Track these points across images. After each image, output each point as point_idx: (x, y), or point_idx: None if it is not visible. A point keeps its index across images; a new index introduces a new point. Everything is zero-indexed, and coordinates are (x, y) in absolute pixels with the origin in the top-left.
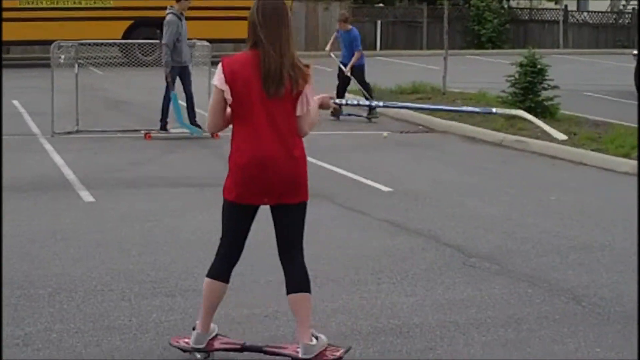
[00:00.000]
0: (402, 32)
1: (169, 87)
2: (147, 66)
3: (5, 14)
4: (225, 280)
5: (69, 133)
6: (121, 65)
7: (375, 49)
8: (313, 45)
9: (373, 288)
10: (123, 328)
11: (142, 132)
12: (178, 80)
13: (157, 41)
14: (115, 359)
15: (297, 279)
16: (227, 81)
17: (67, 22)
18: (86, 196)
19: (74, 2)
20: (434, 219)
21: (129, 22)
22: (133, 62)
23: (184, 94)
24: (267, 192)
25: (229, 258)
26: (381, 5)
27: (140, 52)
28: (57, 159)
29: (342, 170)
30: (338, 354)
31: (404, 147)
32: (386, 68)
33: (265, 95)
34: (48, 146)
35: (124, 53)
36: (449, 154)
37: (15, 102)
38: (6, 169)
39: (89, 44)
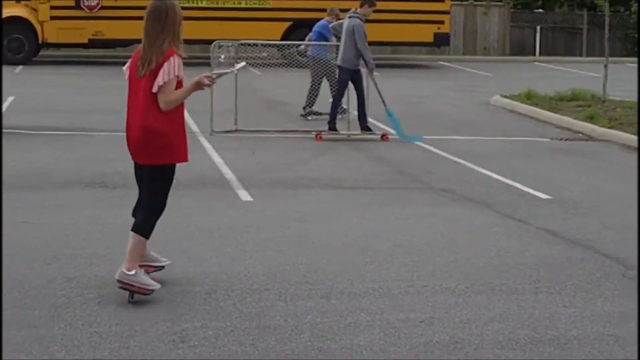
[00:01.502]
0: (561, 38)
1: (378, 90)
2: (304, 67)
3: None
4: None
5: (227, 132)
6: (279, 66)
7: (534, 54)
8: (471, 48)
9: (530, 297)
10: (278, 328)
11: (313, 132)
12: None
13: (316, 43)
14: (270, 359)
15: (135, 222)
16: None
17: (226, 21)
18: (244, 195)
19: (234, 3)
20: (592, 228)
21: (288, 24)
22: (291, 63)
23: (352, 96)
24: (131, 153)
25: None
26: (541, 10)
27: (298, 54)
28: (216, 157)
29: (501, 177)
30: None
31: (563, 154)
32: (545, 74)
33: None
34: (207, 144)
35: (283, 54)
36: (609, 163)
37: None
38: None
39: (249, 44)
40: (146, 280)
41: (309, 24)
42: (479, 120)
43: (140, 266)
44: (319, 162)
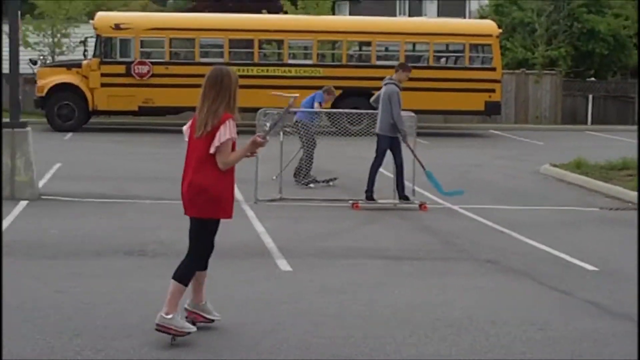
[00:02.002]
0: (613, 107)
1: (415, 156)
2: (354, 136)
3: None
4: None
5: (271, 200)
6: (328, 134)
7: (586, 123)
8: (523, 117)
9: None
10: None
11: (350, 201)
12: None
13: (365, 111)
14: None
15: (176, 270)
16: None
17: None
18: (284, 265)
19: (284, 71)
20: None
21: (338, 92)
22: (341, 131)
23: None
24: (183, 205)
25: None
26: (593, 79)
27: (348, 122)
28: (258, 226)
29: (547, 247)
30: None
31: (612, 224)
32: (596, 143)
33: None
34: (250, 213)
35: (332, 122)
36: None
37: None
38: None
39: (296, 112)
40: (182, 324)
41: (358, 93)
42: (527, 189)
43: (192, 313)
44: (363, 231)
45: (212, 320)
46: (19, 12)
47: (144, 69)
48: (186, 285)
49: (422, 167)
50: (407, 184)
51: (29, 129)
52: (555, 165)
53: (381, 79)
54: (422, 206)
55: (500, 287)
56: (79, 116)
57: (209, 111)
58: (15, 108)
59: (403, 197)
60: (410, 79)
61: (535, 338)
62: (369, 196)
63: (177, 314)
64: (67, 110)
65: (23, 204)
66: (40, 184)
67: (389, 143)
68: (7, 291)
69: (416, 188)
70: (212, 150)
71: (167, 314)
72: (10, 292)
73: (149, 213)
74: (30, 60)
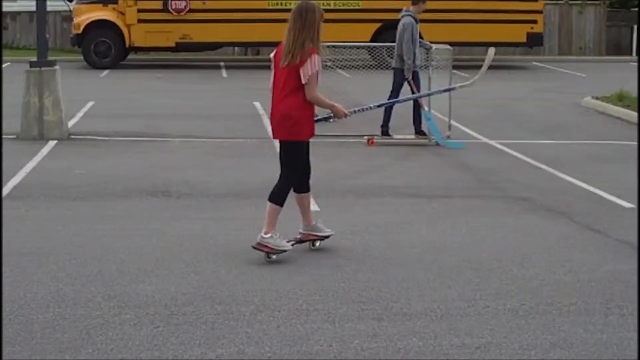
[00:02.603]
0: None
1: (413, 92)
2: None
3: (255, 15)
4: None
5: None
6: (369, 67)
7: (630, 54)
8: (566, 49)
9: (600, 319)
10: (320, 354)
11: (365, 137)
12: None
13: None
14: None
15: (271, 191)
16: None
17: None
18: (312, 204)
19: (323, 4)
20: None
21: (377, 25)
22: (381, 64)
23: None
24: (272, 130)
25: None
26: (638, 9)
27: (388, 55)
28: None
29: (584, 184)
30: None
31: None
32: None
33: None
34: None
35: (372, 55)
36: None
37: (256, 103)
38: (235, 174)
39: (337, 46)
40: (280, 242)
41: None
42: (567, 123)
43: (307, 235)
44: (397, 168)
45: (328, 236)
46: None
47: (181, 4)
48: (281, 205)
49: (422, 107)
50: (443, 118)
51: (57, 67)
52: (596, 98)
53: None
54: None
55: (533, 227)
56: (115, 53)
57: (295, 43)
58: (42, 46)
59: (419, 132)
60: (450, 10)
61: (564, 280)
62: (385, 131)
63: (274, 233)
64: (104, 47)
65: (52, 143)
66: (72, 122)
67: (404, 77)
68: (25, 235)
69: (453, 122)
70: (304, 81)
71: (265, 233)
72: (28, 236)
73: (177, 152)
74: None
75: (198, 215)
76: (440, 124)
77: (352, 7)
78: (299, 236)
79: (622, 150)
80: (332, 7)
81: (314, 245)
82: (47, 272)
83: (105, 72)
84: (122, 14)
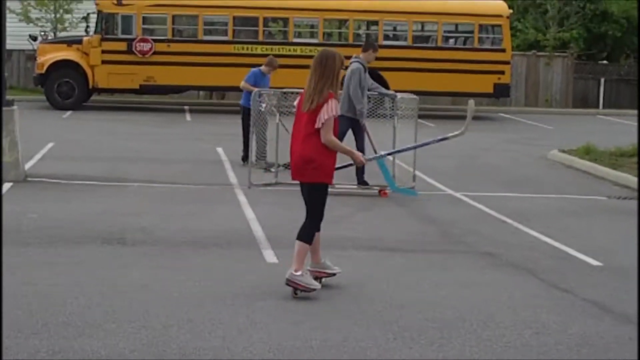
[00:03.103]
0: (626, 91)
1: (370, 138)
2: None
3: (221, 59)
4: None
5: (266, 185)
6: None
7: (597, 107)
8: (533, 100)
9: None
10: None
11: (375, 188)
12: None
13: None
14: None
15: (299, 231)
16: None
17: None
18: (269, 256)
19: (289, 50)
20: None
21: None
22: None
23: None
24: (292, 172)
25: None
26: (605, 62)
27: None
28: (249, 212)
29: (549, 239)
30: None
31: (619, 215)
32: (608, 128)
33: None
34: (242, 198)
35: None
36: None
37: (219, 149)
38: (194, 222)
39: (292, 93)
40: (310, 281)
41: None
42: (533, 176)
43: (315, 272)
44: (359, 219)
45: (334, 274)
46: None
47: (146, 46)
48: (309, 243)
49: (375, 151)
50: (408, 168)
51: (15, 107)
52: (563, 151)
53: (389, 59)
54: (381, 192)
55: (497, 284)
56: (79, 94)
57: (315, 89)
58: (1, 86)
59: (361, 182)
60: (418, 59)
61: (530, 344)
62: (360, 180)
63: (304, 271)
64: (67, 87)
65: (7, 185)
66: (30, 164)
67: (349, 124)
68: None
69: (418, 173)
70: (317, 126)
71: (296, 271)
72: None
73: (135, 197)
74: (30, 36)
75: (152, 264)
76: (404, 175)
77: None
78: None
79: (589, 205)
80: (298, 53)
81: (320, 281)
82: None
83: (68, 113)
84: (86, 54)
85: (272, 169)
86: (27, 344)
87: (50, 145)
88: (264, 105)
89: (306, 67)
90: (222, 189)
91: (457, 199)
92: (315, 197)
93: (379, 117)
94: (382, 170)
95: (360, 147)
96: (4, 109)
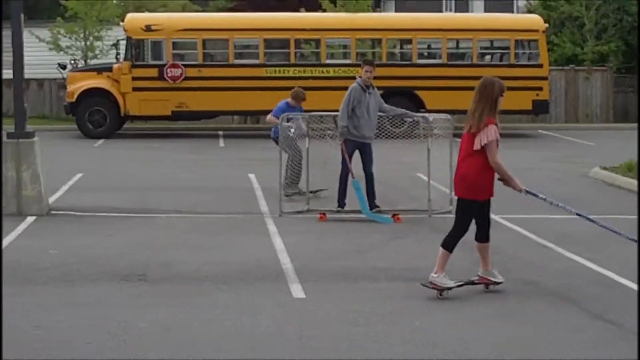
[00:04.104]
0: None
1: (345, 162)
2: (396, 138)
3: (252, 83)
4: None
5: (298, 212)
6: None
7: (639, 121)
8: (573, 116)
9: None
10: None
11: (388, 214)
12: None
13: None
14: None
15: (444, 239)
16: None
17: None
18: (297, 291)
19: (321, 72)
20: None
21: (378, 92)
22: (382, 133)
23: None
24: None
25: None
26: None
27: (389, 124)
28: (278, 242)
29: (593, 265)
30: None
31: None
32: None
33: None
34: (272, 227)
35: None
36: None
37: (251, 175)
38: (220, 254)
39: (320, 116)
40: (445, 281)
41: (400, 93)
42: (575, 195)
43: (483, 278)
44: (393, 247)
45: (499, 283)
46: (22, 13)
47: (177, 71)
48: (450, 251)
49: (352, 175)
50: (445, 190)
51: (35, 139)
52: (605, 169)
53: (424, 78)
54: (395, 217)
55: (536, 316)
56: (110, 122)
57: (474, 113)
58: (20, 116)
59: (373, 207)
60: (454, 78)
61: None
62: (341, 205)
63: (442, 274)
64: (99, 116)
65: (30, 220)
66: (56, 196)
67: (354, 147)
68: None
69: (454, 195)
70: (475, 147)
71: (435, 273)
72: None
73: (162, 229)
74: (59, 64)
75: (174, 303)
76: (442, 197)
77: (351, 75)
78: (475, 278)
79: (634, 225)
80: (331, 74)
81: (487, 288)
82: None
83: (100, 141)
84: (117, 81)
85: (297, 197)
86: None
87: (78, 175)
88: (292, 130)
89: (340, 88)
90: (252, 218)
91: (496, 222)
92: (463, 210)
93: (414, 137)
94: (357, 194)
95: (368, 172)
96: (24, 140)
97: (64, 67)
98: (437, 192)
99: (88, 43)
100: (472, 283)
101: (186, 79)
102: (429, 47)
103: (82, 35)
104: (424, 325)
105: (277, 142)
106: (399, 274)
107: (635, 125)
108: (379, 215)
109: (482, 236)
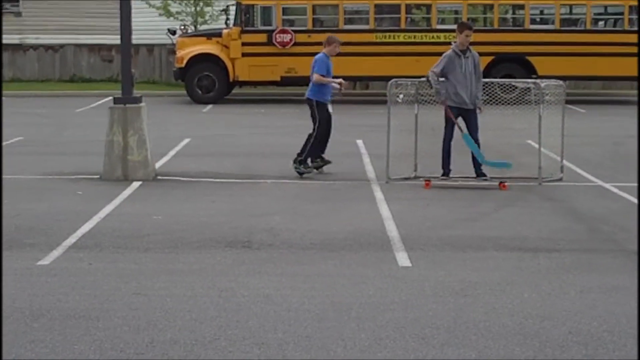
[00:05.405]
0: None
1: (448, 126)
2: (506, 104)
3: (363, 48)
4: None
5: (405, 179)
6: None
7: None
8: None
9: None
10: None
11: (495, 181)
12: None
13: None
14: None
15: None
16: None
17: (406, 57)
18: (403, 259)
19: (432, 37)
20: None
21: (489, 58)
22: (492, 99)
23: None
24: None
25: None
26: None
27: (500, 90)
28: (384, 210)
29: None
30: None
31: None
32: None
33: None
34: (379, 194)
35: (484, 90)
36: None
37: (359, 141)
38: (325, 221)
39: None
40: None
41: (511, 59)
42: None
43: None
44: (502, 215)
45: None
46: None
47: (286, 37)
48: None
49: (460, 129)
50: (556, 157)
51: (142, 104)
52: None
53: (536, 44)
54: (501, 184)
55: None
56: (219, 87)
57: None
58: (127, 82)
59: (479, 174)
60: (567, 44)
61: None
62: (444, 172)
63: None
64: (208, 81)
65: (135, 185)
66: (162, 161)
67: (456, 113)
68: (79, 295)
69: (566, 162)
70: None
71: None
72: (82, 296)
73: (266, 195)
74: (169, 30)
75: (276, 271)
76: (552, 165)
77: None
78: None
79: None
80: (442, 39)
81: None
82: (92, 341)
83: (209, 106)
84: (226, 47)
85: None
86: None
87: (186, 141)
88: (401, 96)
89: None
90: (358, 185)
91: (608, 190)
92: None
93: (525, 104)
94: (469, 146)
95: (474, 138)
96: (131, 105)
97: (173, 32)
98: (548, 160)
99: (198, 8)
100: None
101: (296, 44)
102: (541, 12)
103: (192, 0)
104: (533, 297)
105: (310, 106)
106: (507, 244)
107: None
108: (498, 161)
109: None
